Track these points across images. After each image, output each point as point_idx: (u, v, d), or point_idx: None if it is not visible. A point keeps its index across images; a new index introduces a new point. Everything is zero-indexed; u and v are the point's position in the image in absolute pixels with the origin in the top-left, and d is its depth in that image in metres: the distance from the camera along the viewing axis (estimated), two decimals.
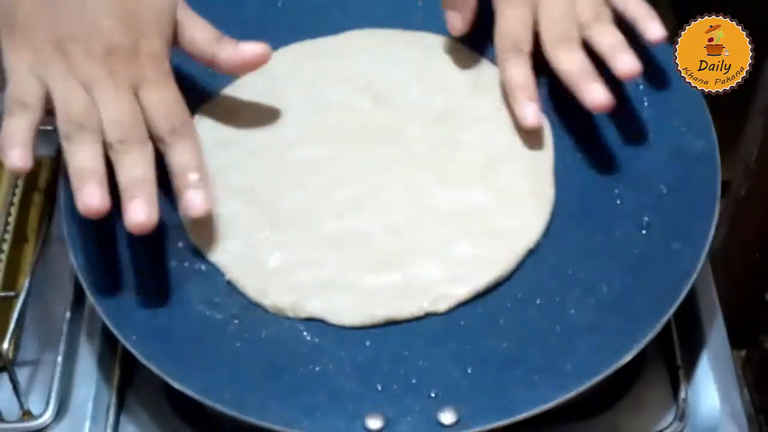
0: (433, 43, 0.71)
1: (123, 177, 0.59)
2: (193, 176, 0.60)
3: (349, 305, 0.60)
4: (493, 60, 0.69)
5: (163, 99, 0.61)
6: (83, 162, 0.58)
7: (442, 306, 0.60)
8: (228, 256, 0.62)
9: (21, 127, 0.59)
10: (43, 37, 0.60)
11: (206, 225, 0.63)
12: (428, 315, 0.60)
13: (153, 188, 0.59)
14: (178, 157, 0.60)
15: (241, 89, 0.69)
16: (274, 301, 0.61)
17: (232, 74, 0.66)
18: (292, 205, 0.64)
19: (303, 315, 0.60)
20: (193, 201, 0.60)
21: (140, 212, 0.58)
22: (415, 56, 0.70)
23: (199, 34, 0.64)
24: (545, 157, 0.65)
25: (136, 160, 0.59)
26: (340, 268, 0.62)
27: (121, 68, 0.60)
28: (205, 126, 0.67)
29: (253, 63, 0.65)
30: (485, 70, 0.70)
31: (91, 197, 0.57)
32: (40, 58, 0.60)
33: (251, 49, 0.64)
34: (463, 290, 0.60)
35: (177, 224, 0.64)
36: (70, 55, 0.60)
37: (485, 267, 0.61)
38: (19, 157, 0.58)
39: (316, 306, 0.60)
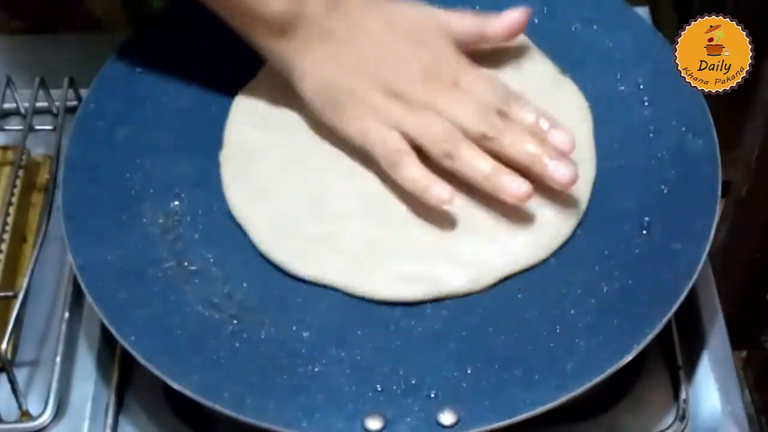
0: None
1: (520, 155, 0.62)
2: (545, 123, 0.63)
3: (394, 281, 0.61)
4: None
5: (480, 80, 0.65)
6: (484, 165, 0.62)
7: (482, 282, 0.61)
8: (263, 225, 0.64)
9: (418, 169, 0.63)
10: (372, 95, 0.64)
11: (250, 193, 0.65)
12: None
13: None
14: (523, 117, 0.63)
15: None
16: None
17: (504, 42, 0.69)
18: (335, 190, 0.65)
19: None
20: (555, 138, 0.63)
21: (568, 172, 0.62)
22: None
23: (465, 23, 0.67)
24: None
25: (515, 136, 0.62)
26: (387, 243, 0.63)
27: (439, 77, 0.64)
28: (248, 104, 0.69)
29: (518, 26, 0.68)
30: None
31: (518, 185, 0.61)
32: (380, 113, 0.64)
33: (512, 15, 0.67)
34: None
35: (176, 225, 0.64)
36: (400, 94, 0.64)
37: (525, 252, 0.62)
38: (443, 190, 0.62)
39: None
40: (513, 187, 0.62)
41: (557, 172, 0.62)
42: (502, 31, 0.67)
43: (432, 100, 0.63)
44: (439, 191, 0.62)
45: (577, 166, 0.62)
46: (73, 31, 0.85)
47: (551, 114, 0.64)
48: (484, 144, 0.63)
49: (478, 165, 0.62)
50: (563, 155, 0.62)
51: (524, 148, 0.62)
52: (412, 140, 0.63)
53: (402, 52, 0.65)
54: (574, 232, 0.63)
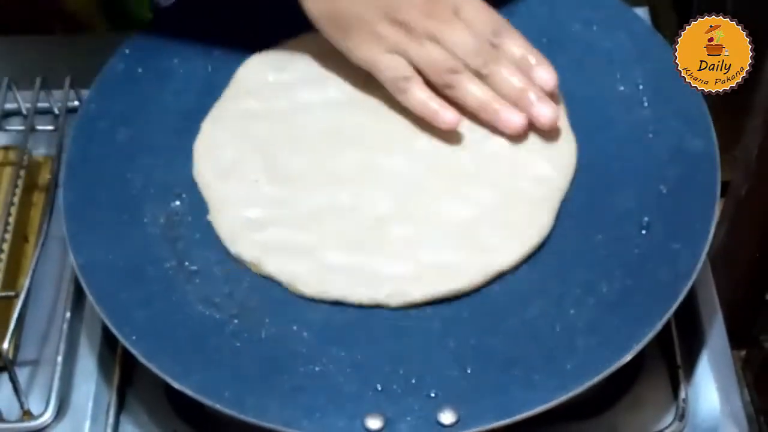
0: None
1: (508, 90, 0.65)
2: (532, 59, 0.66)
3: (307, 275, 0.61)
4: None
5: (477, 9, 0.66)
6: (481, 95, 0.65)
7: (393, 301, 0.61)
8: (215, 193, 0.65)
9: (423, 94, 0.66)
10: (377, 21, 0.65)
11: (210, 160, 0.66)
12: (378, 306, 0.61)
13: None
14: (513, 50, 0.66)
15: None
16: (239, 251, 0.62)
17: None
18: (293, 163, 0.66)
19: (262, 272, 0.62)
20: (541, 76, 0.66)
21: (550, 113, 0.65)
22: None
23: None
24: (559, 186, 0.65)
25: (507, 72, 0.65)
26: (315, 237, 0.63)
27: (440, 6, 0.66)
28: (251, 71, 0.70)
29: None
30: None
31: (515, 119, 0.65)
32: (385, 40, 0.65)
33: None
34: (417, 293, 0.61)
35: (177, 224, 0.64)
36: (403, 22, 0.65)
37: (449, 276, 0.61)
38: (452, 114, 0.65)
39: (274, 267, 0.62)
40: (507, 117, 0.65)
41: (539, 111, 0.65)
42: None
43: (433, 29, 0.65)
44: (448, 115, 0.65)
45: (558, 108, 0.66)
46: (73, 33, 0.85)
47: (538, 51, 0.66)
48: (480, 75, 0.65)
49: (476, 95, 0.65)
50: (546, 94, 0.65)
51: (512, 85, 0.65)
52: (416, 67, 0.65)
53: None
54: (574, 232, 0.63)
